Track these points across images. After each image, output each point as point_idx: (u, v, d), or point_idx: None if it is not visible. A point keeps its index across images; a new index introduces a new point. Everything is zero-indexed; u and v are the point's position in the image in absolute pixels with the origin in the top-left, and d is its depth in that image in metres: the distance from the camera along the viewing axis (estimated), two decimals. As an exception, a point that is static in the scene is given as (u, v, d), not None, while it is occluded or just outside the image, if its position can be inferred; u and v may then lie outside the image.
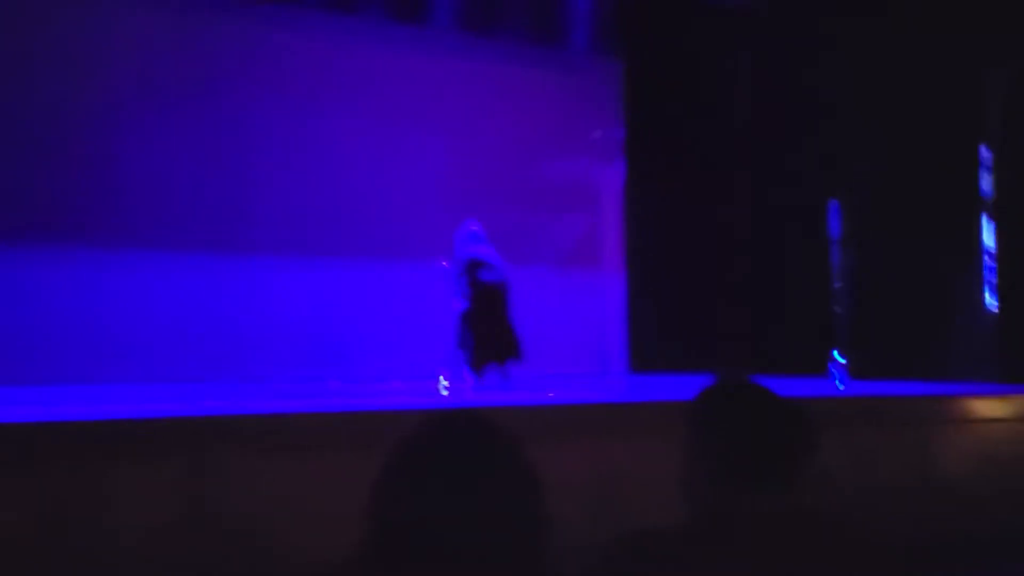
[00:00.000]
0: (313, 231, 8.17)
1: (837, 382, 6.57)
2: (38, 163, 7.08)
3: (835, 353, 6.98)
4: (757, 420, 1.62)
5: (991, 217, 6.54)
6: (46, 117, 7.16)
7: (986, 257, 6.56)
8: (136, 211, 7.43)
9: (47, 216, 7.12)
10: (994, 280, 6.50)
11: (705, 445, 1.63)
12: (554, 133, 9.35)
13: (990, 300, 6.52)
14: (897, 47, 6.81)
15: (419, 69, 8.67)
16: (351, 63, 8.42)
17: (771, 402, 1.66)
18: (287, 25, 8.17)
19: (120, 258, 7.39)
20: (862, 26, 7.00)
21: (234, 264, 7.86)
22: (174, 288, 7.55)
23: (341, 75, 8.37)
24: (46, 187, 7.10)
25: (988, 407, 5.02)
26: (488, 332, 6.28)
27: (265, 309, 7.88)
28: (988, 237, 6.56)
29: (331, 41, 8.40)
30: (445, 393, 5.81)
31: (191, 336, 7.49)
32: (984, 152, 6.56)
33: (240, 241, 7.87)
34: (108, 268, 7.34)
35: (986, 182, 6.56)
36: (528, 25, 9.02)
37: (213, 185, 7.76)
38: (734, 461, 1.58)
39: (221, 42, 7.88)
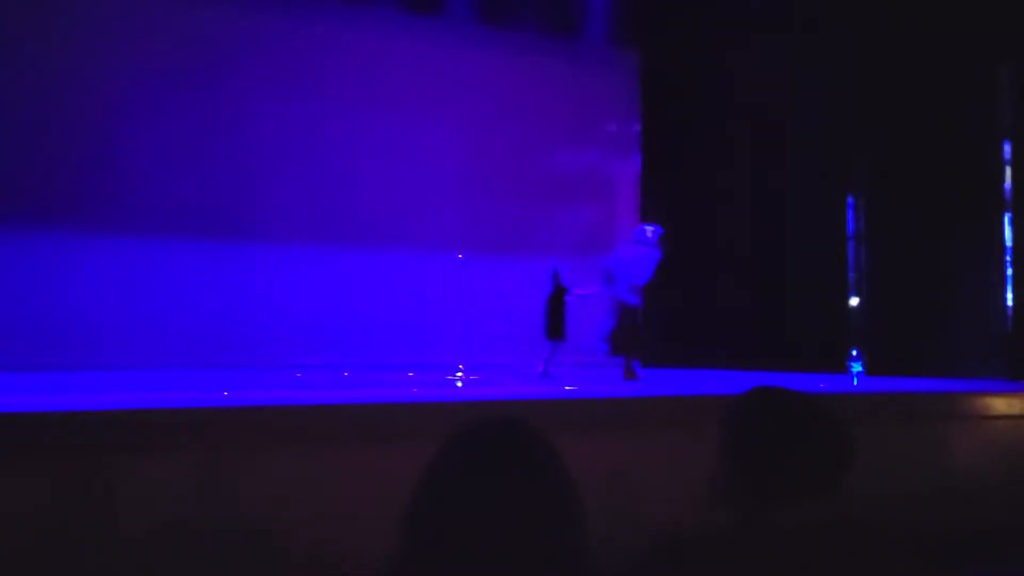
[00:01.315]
0: (326, 221, 8.18)
1: (853, 379, 6.54)
2: (39, 150, 7.10)
3: (851, 350, 6.94)
4: (796, 431, 1.60)
5: (1010, 213, 6.49)
6: (46, 104, 7.17)
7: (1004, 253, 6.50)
8: (147, 199, 7.45)
9: (55, 204, 7.15)
10: (1010, 277, 6.45)
11: (740, 454, 1.61)
12: (569, 124, 9.33)
13: (1007, 297, 6.47)
14: (913, 41, 6.75)
15: (434, 60, 8.66)
16: (366, 53, 8.42)
17: (810, 413, 1.64)
18: (300, 13, 8.17)
19: (125, 245, 7.42)
20: (879, 19, 6.95)
21: (244, 253, 7.89)
22: (181, 276, 7.58)
23: (356, 65, 8.37)
24: (53, 176, 7.12)
25: (1005, 404, 4.99)
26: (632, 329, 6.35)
27: (276, 298, 7.90)
28: (1006, 234, 6.51)
29: (345, 31, 8.40)
30: (459, 384, 5.81)
31: (199, 324, 7.52)
32: (1001, 148, 6.51)
33: (252, 230, 7.89)
34: (113, 255, 7.37)
35: (1004, 178, 6.51)
36: (544, 16, 8.99)
37: (226, 176, 7.79)
38: (770, 471, 1.56)
39: (233, 29, 7.89)
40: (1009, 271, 6.35)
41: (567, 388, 5.30)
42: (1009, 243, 6.34)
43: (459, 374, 6.10)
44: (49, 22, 7.25)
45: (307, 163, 8.10)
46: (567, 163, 9.31)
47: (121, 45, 7.42)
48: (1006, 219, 6.36)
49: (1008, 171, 6.38)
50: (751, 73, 8.11)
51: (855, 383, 6.27)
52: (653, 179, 9.40)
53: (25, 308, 6.90)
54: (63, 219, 7.18)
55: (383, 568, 1.31)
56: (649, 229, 6.40)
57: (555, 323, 6.40)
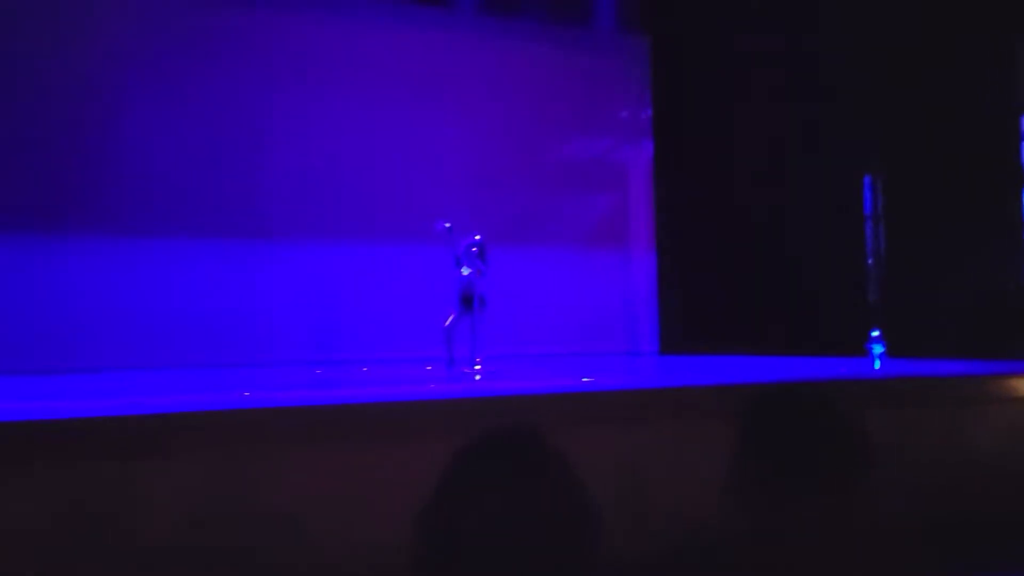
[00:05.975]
0: (340, 215, 8.17)
1: (876, 361, 6.50)
2: (44, 151, 7.08)
3: (872, 331, 6.90)
4: (814, 430, 1.59)
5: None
6: (50, 102, 7.15)
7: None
8: (153, 197, 7.44)
9: (58, 204, 7.14)
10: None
11: (756, 452, 1.60)
12: (581, 112, 9.29)
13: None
14: (931, 17, 6.68)
15: (444, 50, 8.64)
16: (376, 45, 8.40)
17: (828, 410, 1.62)
18: (305, 6, 8.15)
19: (128, 244, 7.40)
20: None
21: (260, 249, 7.89)
22: (188, 274, 7.58)
23: (366, 57, 8.35)
24: (56, 175, 7.11)
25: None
26: None
27: (293, 294, 7.91)
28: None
29: (355, 22, 8.38)
30: (478, 378, 5.80)
31: (215, 321, 7.53)
32: (1018, 123, 6.43)
33: (257, 226, 7.88)
34: (115, 253, 7.35)
35: (1021, 153, 6.44)
36: (552, 3, 8.96)
37: (227, 169, 7.75)
38: (785, 469, 1.55)
39: (235, 21, 7.86)
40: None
41: (584, 380, 5.29)
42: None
43: (477, 367, 6.09)
44: (50, 12, 7.21)
45: (317, 157, 8.08)
46: (579, 151, 9.28)
47: (130, 40, 7.40)
48: (1024, 195, 6.29)
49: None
50: (763, 56, 8.05)
51: (877, 366, 6.23)
52: (666, 165, 9.36)
53: (26, 310, 6.90)
54: (60, 219, 7.16)
55: (403, 569, 1.32)
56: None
57: None
